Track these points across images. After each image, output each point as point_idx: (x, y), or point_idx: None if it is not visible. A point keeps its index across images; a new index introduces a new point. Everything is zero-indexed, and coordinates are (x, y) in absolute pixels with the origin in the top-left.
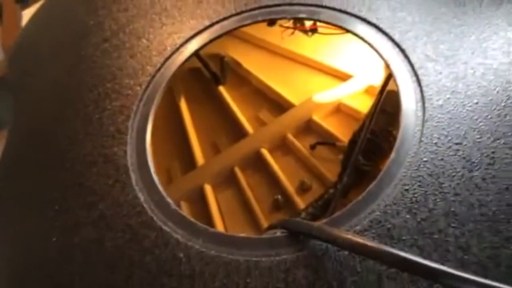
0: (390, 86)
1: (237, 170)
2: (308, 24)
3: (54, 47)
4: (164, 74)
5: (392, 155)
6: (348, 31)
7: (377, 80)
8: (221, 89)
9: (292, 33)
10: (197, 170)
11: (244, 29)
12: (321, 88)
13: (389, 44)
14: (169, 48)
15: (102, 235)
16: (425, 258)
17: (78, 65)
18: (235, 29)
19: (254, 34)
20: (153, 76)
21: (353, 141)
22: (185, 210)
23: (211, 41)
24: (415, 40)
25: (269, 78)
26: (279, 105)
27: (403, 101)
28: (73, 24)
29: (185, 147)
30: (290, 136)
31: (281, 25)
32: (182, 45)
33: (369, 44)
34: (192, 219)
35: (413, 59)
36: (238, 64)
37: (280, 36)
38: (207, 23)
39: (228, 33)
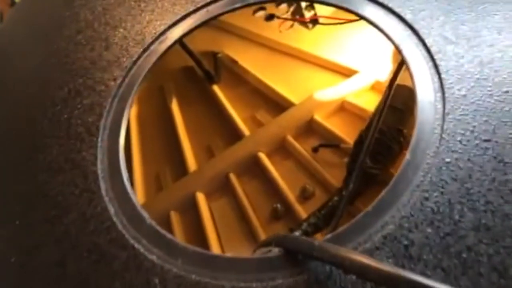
0: (402, 78)
1: (232, 176)
2: (308, 15)
3: (26, 42)
4: (142, 66)
5: (407, 156)
6: (351, 11)
7: (384, 75)
8: (215, 88)
9: (291, 26)
10: (189, 176)
11: (240, 24)
12: (323, 85)
13: (400, 26)
14: (148, 37)
15: (65, 256)
16: (452, 284)
17: (49, 60)
18: (223, 13)
19: (251, 29)
20: (130, 69)
21: (359, 142)
22: (175, 221)
23: (196, 27)
24: (430, 20)
25: (267, 76)
26: (278, 105)
27: (418, 92)
28: (48, 17)
29: (176, 151)
30: (290, 138)
31: (278, 17)
32: (162, 33)
33: (376, 26)
34: (170, 236)
35: (429, 42)
36: (234, 62)
37: (278, 30)
38: (191, 8)
39: (215, 18)
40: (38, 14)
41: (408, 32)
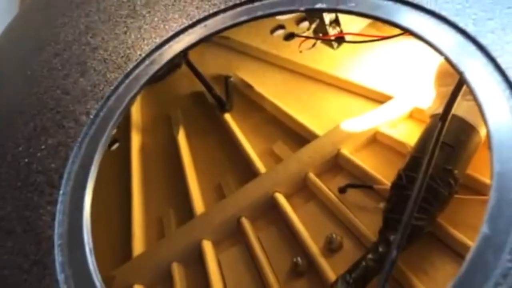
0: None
1: (245, 222)
2: (332, 33)
3: (5, 68)
4: (122, 96)
5: (485, 228)
6: (392, 23)
7: (425, 102)
8: (227, 117)
9: (313, 45)
10: (195, 220)
11: (256, 44)
12: (352, 113)
13: (459, 40)
14: (132, 59)
15: None
16: None
17: (21, 90)
18: (225, 29)
19: (268, 50)
20: (107, 99)
21: (398, 185)
22: (177, 275)
23: (191, 46)
24: (502, 33)
25: (286, 103)
26: (299, 137)
27: (493, 131)
28: (28, 38)
29: (182, 190)
30: (312, 176)
31: (298, 35)
32: (150, 54)
33: (426, 41)
34: None
35: (503, 61)
36: (248, 87)
37: (298, 50)
38: (186, 22)
39: (215, 34)
40: (21, 36)
41: (472, 48)
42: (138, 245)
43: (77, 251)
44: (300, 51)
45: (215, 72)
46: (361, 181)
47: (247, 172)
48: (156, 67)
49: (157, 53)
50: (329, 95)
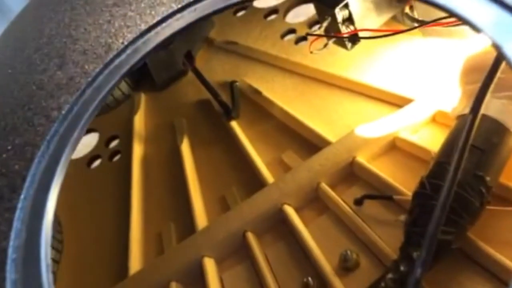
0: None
1: (251, 237)
2: (345, 30)
3: None
4: (99, 89)
5: None
6: (449, 12)
7: (449, 104)
8: (234, 125)
9: (325, 45)
10: (196, 236)
11: (264, 49)
12: (368, 118)
13: (497, 12)
14: (114, 48)
15: None
16: None
17: (1, 89)
18: (216, 12)
19: (278, 54)
20: (82, 92)
21: (421, 194)
22: None
23: (178, 31)
24: None
25: (297, 109)
26: (310, 144)
27: None
28: (15, 37)
29: (184, 203)
30: (325, 187)
31: (310, 34)
32: (133, 41)
33: (483, 32)
34: None
35: None
36: (257, 92)
37: (309, 50)
38: (175, 7)
39: (206, 18)
40: (10, 37)
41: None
42: (135, 262)
43: (32, 268)
44: (311, 52)
45: (222, 78)
46: (379, 192)
47: (254, 182)
48: (139, 56)
49: (141, 41)
50: (343, 99)
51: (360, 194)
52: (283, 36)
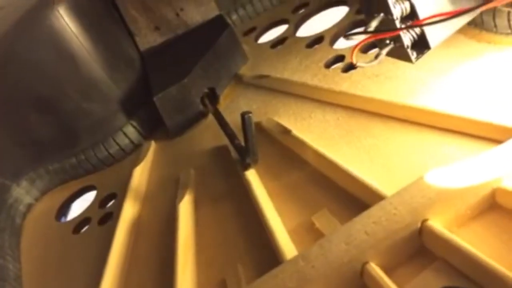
0: None
1: None
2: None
3: None
4: None
5: None
6: None
7: None
8: (251, 175)
9: (376, 57)
10: None
11: (304, 80)
12: (445, 159)
13: None
14: None
15: None
16: None
17: None
18: None
19: (318, 84)
20: None
21: None
22: None
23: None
24: None
25: (338, 152)
26: (355, 200)
27: None
28: None
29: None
30: (374, 269)
31: (347, 34)
32: None
33: None
34: None
35: None
36: (285, 132)
37: (350, 59)
38: None
39: None
40: None
41: None
42: None
43: None
44: (355, 65)
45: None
46: (469, 282)
47: (268, 258)
48: None
49: None
50: (405, 135)
51: (437, 284)
52: (328, 65)
